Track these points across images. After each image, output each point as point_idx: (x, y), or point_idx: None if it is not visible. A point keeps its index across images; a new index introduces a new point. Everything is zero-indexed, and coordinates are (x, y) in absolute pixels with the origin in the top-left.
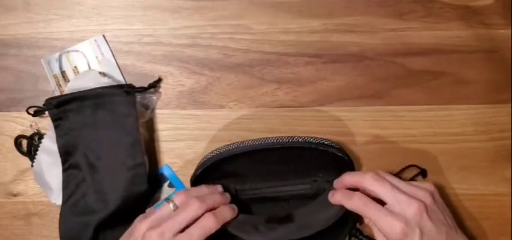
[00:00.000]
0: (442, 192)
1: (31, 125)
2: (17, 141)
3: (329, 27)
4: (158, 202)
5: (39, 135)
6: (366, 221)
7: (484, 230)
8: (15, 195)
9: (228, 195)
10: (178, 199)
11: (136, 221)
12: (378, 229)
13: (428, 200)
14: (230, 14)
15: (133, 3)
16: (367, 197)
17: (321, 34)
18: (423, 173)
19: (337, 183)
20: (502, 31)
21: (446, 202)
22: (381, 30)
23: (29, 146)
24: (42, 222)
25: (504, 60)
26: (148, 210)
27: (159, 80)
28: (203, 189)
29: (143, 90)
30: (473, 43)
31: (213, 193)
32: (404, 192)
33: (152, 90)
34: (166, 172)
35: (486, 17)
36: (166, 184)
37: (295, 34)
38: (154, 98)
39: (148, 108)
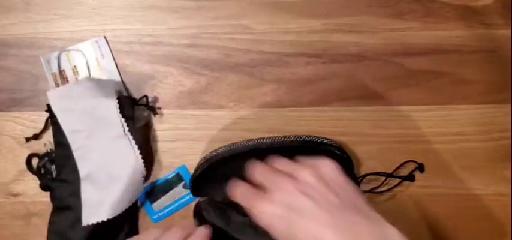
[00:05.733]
0: (442, 192)
1: (45, 144)
2: (30, 160)
3: (329, 27)
4: (170, 202)
5: (51, 155)
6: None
7: (484, 230)
8: (15, 195)
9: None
10: None
11: None
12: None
13: (306, 177)
14: (230, 14)
15: (133, 3)
16: (247, 186)
17: (321, 34)
18: (421, 168)
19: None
20: (502, 31)
21: (447, 202)
22: (380, 30)
23: (38, 165)
24: (42, 222)
25: (504, 60)
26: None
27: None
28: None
29: None
30: (473, 43)
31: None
32: (281, 173)
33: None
34: (183, 173)
35: (486, 17)
36: (181, 184)
37: (295, 34)
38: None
39: (145, 111)
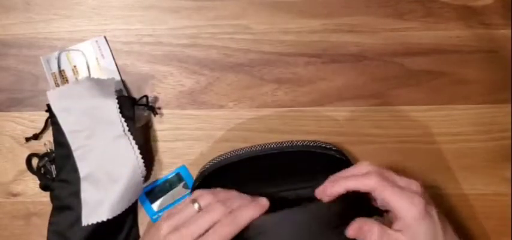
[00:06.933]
0: (442, 192)
1: (45, 144)
2: (30, 160)
3: (329, 27)
4: (170, 202)
5: (51, 156)
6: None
7: (484, 230)
8: (15, 195)
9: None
10: (203, 200)
11: (161, 219)
12: (395, 209)
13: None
14: (230, 14)
15: (133, 3)
16: (384, 176)
17: (321, 34)
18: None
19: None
20: (502, 31)
21: (447, 202)
22: (380, 30)
23: (38, 165)
24: (42, 222)
25: (504, 60)
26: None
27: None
28: (232, 192)
29: None
30: (473, 43)
31: (241, 197)
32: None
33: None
34: (183, 173)
35: (486, 17)
36: (181, 184)
37: (295, 34)
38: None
39: (145, 111)
